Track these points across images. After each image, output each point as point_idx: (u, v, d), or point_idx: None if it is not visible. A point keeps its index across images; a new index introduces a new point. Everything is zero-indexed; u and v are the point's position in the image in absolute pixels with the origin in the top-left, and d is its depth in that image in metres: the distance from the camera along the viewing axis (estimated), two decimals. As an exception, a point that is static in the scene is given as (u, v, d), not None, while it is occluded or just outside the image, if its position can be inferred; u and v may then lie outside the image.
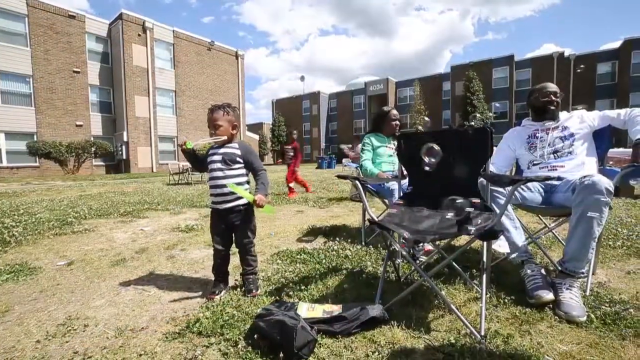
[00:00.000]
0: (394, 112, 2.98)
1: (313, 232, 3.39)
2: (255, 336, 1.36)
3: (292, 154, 7.02)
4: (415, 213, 1.80)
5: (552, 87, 2.16)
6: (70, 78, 18.76)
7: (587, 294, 1.75)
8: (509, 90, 30.01)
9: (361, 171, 3.07)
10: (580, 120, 2.14)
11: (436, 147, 1.78)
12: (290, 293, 1.83)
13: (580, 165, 2.01)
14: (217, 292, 1.86)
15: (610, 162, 2.01)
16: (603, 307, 1.59)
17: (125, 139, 19.81)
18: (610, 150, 2.19)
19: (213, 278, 1.96)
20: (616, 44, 27.44)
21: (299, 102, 45.32)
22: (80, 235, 3.51)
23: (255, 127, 49.89)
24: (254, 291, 1.84)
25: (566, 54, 28.76)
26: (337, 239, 3.00)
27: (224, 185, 1.78)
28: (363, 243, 2.78)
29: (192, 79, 23.27)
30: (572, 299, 1.57)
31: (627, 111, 1.98)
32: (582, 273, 1.66)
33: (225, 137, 1.86)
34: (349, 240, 2.91)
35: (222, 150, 1.86)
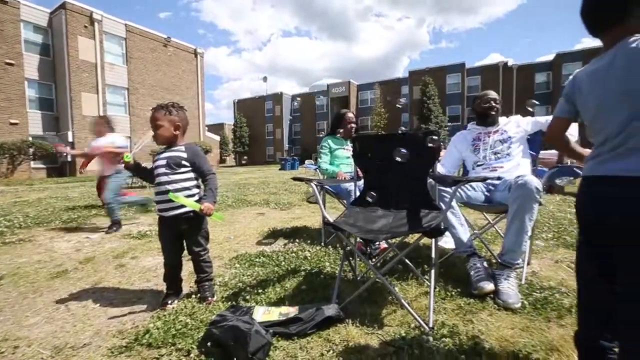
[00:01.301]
0: (350, 115, 3.06)
1: (273, 235, 3.36)
2: (209, 344, 1.32)
3: None
4: (369, 213, 1.86)
5: (492, 94, 2.35)
6: (1, 70, 16.86)
7: (523, 282, 1.93)
8: (461, 96, 31.99)
9: (320, 173, 3.11)
10: (516, 125, 2.34)
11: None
12: (248, 297, 1.80)
13: (517, 166, 2.20)
14: (169, 301, 1.78)
15: (540, 164, 2.24)
16: (534, 293, 1.76)
17: (70, 139, 18.23)
18: (541, 152, 2.43)
19: (165, 287, 1.87)
20: (550, 57, 30.42)
21: (261, 103, 44.70)
22: (13, 246, 3.17)
23: (216, 128, 48.42)
24: (209, 298, 1.79)
25: (509, 64, 31.28)
26: (297, 240, 3.01)
27: (173, 200, 1.69)
28: (322, 244, 2.82)
29: (146, 76, 22.02)
30: (509, 288, 1.71)
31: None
32: (518, 264, 1.82)
33: (150, 135, 1.78)
34: (309, 242, 2.93)
35: (166, 154, 1.78)
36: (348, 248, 1.78)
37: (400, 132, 2.01)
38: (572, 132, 2.05)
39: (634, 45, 0.90)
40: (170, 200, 1.71)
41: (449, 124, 29.66)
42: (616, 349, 1.01)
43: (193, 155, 1.80)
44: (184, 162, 1.78)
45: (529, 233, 1.85)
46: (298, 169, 20.93)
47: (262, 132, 44.31)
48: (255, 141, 43.34)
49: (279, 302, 1.72)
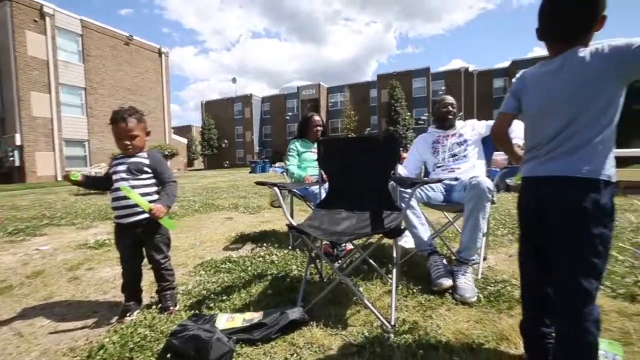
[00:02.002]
0: (316, 117, 3.09)
1: (241, 239, 3.31)
2: (169, 355, 1.28)
3: None
4: (334, 215, 1.90)
5: (450, 99, 2.48)
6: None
7: (479, 277, 2.04)
8: (426, 99, 33.27)
9: (288, 176, 3.11)
10: (472, 128, 2.48)
11: None
12: (211, 305, 1.76)
13: (472, 167, 2.33)
14: (128, 313, 1.70)
15: (493, 165, 2.39)
16: (489, 287, 1.87)
17: (18, 142, 16.84)
18: (495, 153, 2.59)
19: (124, 298, 1.78)
20: (506, 64, 32.48)
21: (230, 105, 43.84)
22: (-50, 261, 2.88)
23: (183, 130, 46.83)
24: (171, 308, 1.73)
25: (470, 70, 33.01)
26: (265, 244, 2.98)
27: (129, 197, 1.62)
28: (290, 247, 2.82)
29: (106, 76, 20.84)
30: (466, 283, 1.81)
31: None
32: (474, 260, 1.93)
33: (105, 167, 1.69)
34: (277, 245, 2.92)
35: (127, 159, 1.71)
36: (313, 252, 1.79)
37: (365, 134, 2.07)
38: (520, 135, 2.19)
39: (581, 54, 0.99)
40: (130, 206, 1.64)
41: (416, 126, 30.70)
42: (553, 334, 1.10)
43: (155, 161, 1.75)
44: (145, 169, 1.71)
45: (484, 230, 1.97)
46: (269, 171, 20.73)
47: (232, 135, 43.44)
48: (225, 144, 42.38)
49: (243, 308, 1.70)
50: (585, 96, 0.99)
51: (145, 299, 1.86)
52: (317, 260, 2.12)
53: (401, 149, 3.50)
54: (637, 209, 4.44)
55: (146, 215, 1.67)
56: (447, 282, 1.81)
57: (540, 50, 34.53)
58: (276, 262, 2.45)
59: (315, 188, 2.57)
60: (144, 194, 1.67)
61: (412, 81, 33.87)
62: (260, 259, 2.55)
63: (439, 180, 1.38)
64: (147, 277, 1.92)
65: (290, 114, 41.24)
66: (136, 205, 1.64)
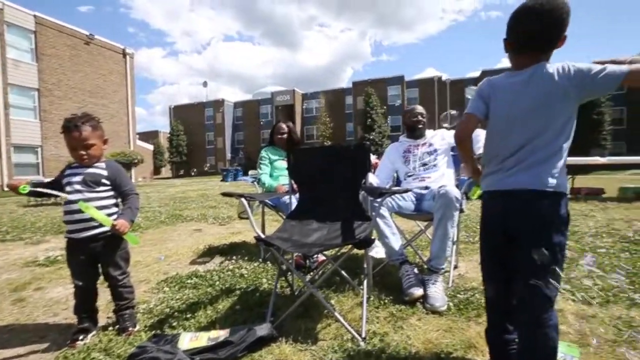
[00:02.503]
0: (282, 125, 3.11)
1: (209, 252, 3.23)
2: (125, 381, 1.22)
3: None
4: (305, 226, 1.91)
5: (419, 109, 2.58)
6: None
7: (450, 285, 2.11)
8: (401, 107, 34.29)
9: (259, 185, 3.09)
10: (441, 138, 2.59)
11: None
12: (175, 324, 1.70)
13: (442, 175, 2.43)
14: (81, 336, 1.60)
15: (462, 173, 2.51)
16: (459, 295, 1.94)
17: (-41, 148, 15.57)
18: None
19: (77, 320, 1.68)
20: (477, 73, 34.27)
21: (201, 110, 42.98)
22: None
23: (150, 136, 45.30)
24: (129, 328, 1.65)
25: (443, 78, 34.50)
26: (235, 257, 2.93)
27: (83, 210, 1.53)
28: (261, 259, 2.78)
29: (63, 77, 19.80)
30: (436, 292, 1.87)
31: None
32: (444, 268, 2.00)
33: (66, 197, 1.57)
34: (247, 258, 2.88)
35: (83, 170, 1.62)
36: (283, 265, 1.79)
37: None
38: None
39: (550, 71, 1.07)
40: (85, 220, 1.56)
41: (392, 133, 31.50)
42: (517, 340, 1.16)
43: (114, 173, 1.68)
44: (103, 180, 1.64)
45: (453, 239, 2.05)
46: (248, 177, 20.43)
47: (202, 141, 42.51)
48: (195, 150, 41.38)
49: (209, 326, 1.66)
50: (551, 111, 1.07)
51: (102, 320, 1.77)
52: (288, 273, 2.11)
53: (376, 156, 3.60)
54: (596, 214, 4.79)
55: (103, 229, 1.60)
56: (418, 292, 1.86)
57: (508, 61, 36.64)
58: (246, 275, 2.42)
59: (286, 198, 2.57)
60: (100, 208, 1.60)
61: (387, 89, 34.82)
62: (229, 272, 2.50)
63: (407, 190, 1.44)
64: (104, 296, 1.83)
65: (264, 120, 41.05)
66: (92, 219, 1.56)
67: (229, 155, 41.76)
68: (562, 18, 1.05)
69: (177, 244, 3.70)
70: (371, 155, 3.77)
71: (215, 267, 2.71)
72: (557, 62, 1.09)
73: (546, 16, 1.05)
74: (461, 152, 1.28)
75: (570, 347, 1.34)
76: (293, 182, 2.13)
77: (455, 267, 2.49)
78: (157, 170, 42.80)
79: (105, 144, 1.71)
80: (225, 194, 1.71)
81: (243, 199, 1.65)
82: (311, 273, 2.41)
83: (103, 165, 1.67)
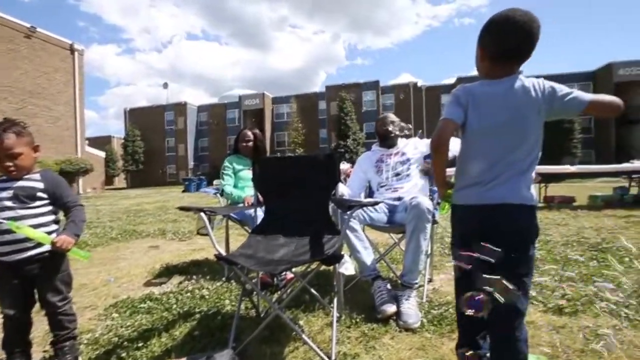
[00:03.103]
0: (247, 132, 3.10)
1: (167, 272, 3.12)
2: None
3: None
4: (271, 242, 1.90)
5: (391, 117, 2.67)
6: None
7: (424, 300, 2.17)
8: (377, 113, 35.13)
9: (224, 197, 3.04)
10: (414, 147, 2.68)
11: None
12: (124, 355, 1.63)
13: (415, 186, 2.51)
14: (10, 374, 1.49)
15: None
16: (432, 311, 2.00)
17: None
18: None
19: (5, 355, 1.56)
20: (452, 80, 35.91)
21: (160, 113, 41.76)
22: None
23: (101, 142, 43.35)
24: (70, 362, 1.55)
25: (419, 84, 35.82)
26: (196, 276, 2.85)
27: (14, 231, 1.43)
28: (224, 279, 2.73)
29: (-3, 75, 18.57)
30: (409, 308, 1.91)
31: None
32: (417, 283, 2.06)
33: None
34: (209, 277, 2.81)
35: (13, 184, 1.51)
36: (247, 285, 1.76)
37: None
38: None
39: (527, 85, 1.14)
40: (19, 241, 1.46)
41: (367, 140, 32.12)
42: (488, 355, 1.22)
43: (52, 184, 1.57)
44: (39, 194, 1.53)
45: (427, 251, 2.11)
46: (209, 188, 19.95)
47: (162, 148, 41.23)
48: (153, 158, 40.01)
49: (163, 356, 1.60)
50: (527, 124, 1.14)
51: (36, 355, 1.65)
52: (254, 293, 2.08)
53: (350, 165, 3.65)
54: (567, 223, 5.12)
55: (40, 249, 1.50)
56: (390, 309, 1.89)
57: (482, 68, 38.62)
58: (207, 297, 2.35)
59: (252, 211, 2.55)
60: (37, 226, 1.50)
61: (362, 94, 35.59)
62: (189, 294, 2.42)
63: (376, 203, 1.48)
64: (40, 326, 1.71)
65: (231, 125, 40.51)
66: (26, 239, 1.46)
67: (191, 164, 40.71)
68: (538, 31, 1.14)
69: (130, 263, 3.55)
70: (346, 163, 3.82)
71: (173, 288, 2.62)
72: (531, 77, 1.18)
73: (527, 28, 1.13)
74: (436, 160, 1.24)
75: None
76: (258, 193, 2.12)
77: (430, 280, 2.57)
78: (109, 180, 40.90)
79: (36, 151, 1.59)
80: (182, 209, 1.66)
81: (202, 214, 1.62)
82: (279, 292, 2.39)
83: (37, 176, 1.56)
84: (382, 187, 2.58)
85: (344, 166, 3.56)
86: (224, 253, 1.57)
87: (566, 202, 7.48)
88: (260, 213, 2.22)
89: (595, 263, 2.91)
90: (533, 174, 1.16)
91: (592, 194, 7.78)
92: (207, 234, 1.63)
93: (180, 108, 41.37)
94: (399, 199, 2.39)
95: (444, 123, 1.18)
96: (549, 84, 1.15)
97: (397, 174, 2.56)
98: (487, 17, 1.21)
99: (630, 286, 2.26)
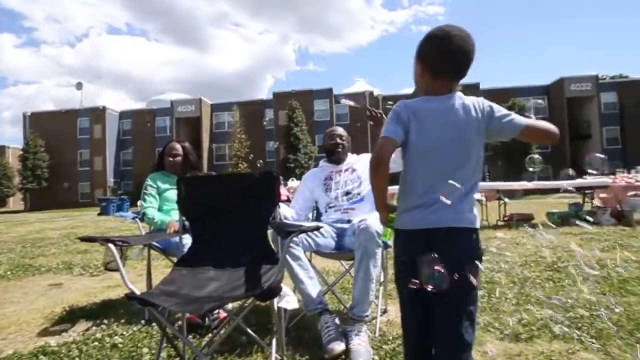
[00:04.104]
0: (175, 145, 3.01)
1: (71, 317, 2.87)
2: None
3: None
4: (198, 275, 1.83)
5: (339, 130, 2.75)
6: None
7: (377, 335, 2.20)
8: (330, 124, 35.95)
9: (146, 222, 2.89)
10: (364, 165, 2.77)
11: None
12: None
13: (366, 205, 2.57)
14: None
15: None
16: (385, 346, 2.04)
17: None
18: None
19: None
20: (411, 90, 37.92)
21: (72, 120, 39.10)
22: None
23: (-10, 154, 39.39)
24: None
25: (375, 94, 37.41)
26: (108, 320, 2.64)
27: None
28: (144, 321, 2.56)
29: None
30: (359, 345, 1.93)
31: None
32: (367, 316, 2.09)
33: None
34: (124, 321, 2.62)
35: None
36: (167, 329, 1.67)
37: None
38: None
39: (467, 102, 1.23)
40: None
41: (319, 154, 32.63)
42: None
43: None
44: None
45: (380, 279, 2.16)
46: (127, 212, 18.85)
47: (72, 161, 38.40)
48: (60, 173, 37.05)
49: None
50: (469, 144, 1.22)
51: None
52: (178, 338, 1.98)
53: (300, 181, 3.66)
54: (526, 242, 5.55)
55: None
56: (338, 347, 1.89)
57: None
58: (120, 345, 2.19)
59: (177, 239, 2.45)
60: None
61: (313, 102, 36.30)
62: (97, 343, 2.24)
63: (317, 228, 1.50)
64: None
65: (160, 135, 38.96)
66: None
67: (111, 181, 38.30)
68: (474, 48, 1.25)
69: (21, 307, 3.20)
70: (296, 180, 3.83)
71: (77, 337, 2.40)
72: (471, 96, 1.28)
73: (465, 45, 1.23)
74: (376, 181, 1.27)
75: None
76: (184, 218, 2.04)
77: (384, 311, 2.63)
78: (1, 202, 37.09)
79: None
80: (85, 239, 1.54)
81: (111, 245, 1.51)
82: (210, 334, 2.29)
83: None
84: (330, 207, 2.62)
85: (294, 183, 3.58)
86: (138, 292, 1.47)
87: (525, 220, 8.12)
88: (188, 241, 2.14)
89: (551, 284, 3.17)
90: (477, 196, 1.25)
91: (549, 210, 8.54)
92: (116, 269, 1.53)
93: (97, 114, 39.08)
94: (349, 221, 2.44)
95: (383, 141, 1.22)
96: (487, 103, 1.26)
97: (348, 193, 2.62)
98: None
99: (583, 307, 2.49)
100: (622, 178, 8.36)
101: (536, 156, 2.19)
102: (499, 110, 1.24)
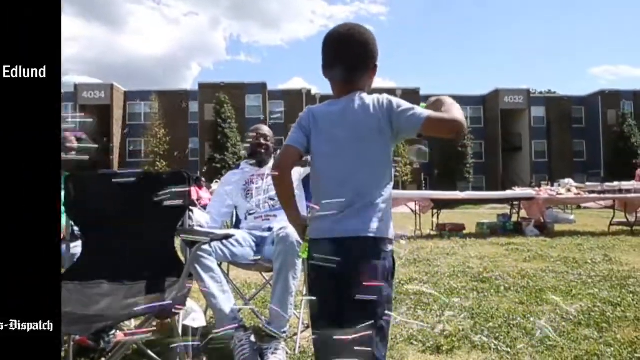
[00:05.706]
0: (67, 136, 2.79)
1: None
2: None
3: None
4: (88, 290, 1.72)
5: (263, 129, 2.74)
6: None
7: (296, 352, 2.22)
8: (263, 121, 35.72)
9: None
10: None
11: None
12: None
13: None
14: None
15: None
16: (305, 364, 2.06)
17: None
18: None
19: None
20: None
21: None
22: None
23: None
24: None
25: (313, 92, 37.91)
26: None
27: None
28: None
29: None
30: (276, 364, 1.93)
31: None
32: (285, 332, 2.10)
33: None
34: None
35: None
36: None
37: None
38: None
39: (367, 101, 1.25)
40: None
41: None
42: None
43: None
44: None
45: (303, 292, 2.18)
46: None
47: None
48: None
49: None
50: (367, 147, 1.25)
51: None
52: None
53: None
54: (456, 252, 5.98)
55: None
56: (253, 368, 1.88)
57: (382, 81, 43.09)
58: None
59: (64, 248, 2.27)
60: None
61: (245, 97, 35.81)
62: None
63: (227, 236, 1.48)
64: None
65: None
66: None
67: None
68: (363, 44, 1.29)
69: None
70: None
71: None
72: (376, 94, 1.32)
73: (345, 41, 1.29)
74: (280, 192, 1.33)
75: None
76: (72, 223, 1.91)
77: (307, 327, 2.65)
78: None
79: None
80: None
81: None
82: (103, 358, 2.15)
83: None
84: (250, 214, 2.59)
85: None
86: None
87: (457, 230, 8.74)
88: (77, 250, 2.00)
89: (475, 294, 3.44)
90: (385, 205, 1.28)
91: (480, 221, 9.28)
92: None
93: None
94: (270, 229, 2.44)
95: (285, 149, 1.26)
96: (387, 98, 1.28)
97: (272, 199, 2.60)
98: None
99: (502, 316, 2.74)
100: (545, 191, 9.38)
101: (423, 147, 2.40)
102: (399, 104, 1.23)
